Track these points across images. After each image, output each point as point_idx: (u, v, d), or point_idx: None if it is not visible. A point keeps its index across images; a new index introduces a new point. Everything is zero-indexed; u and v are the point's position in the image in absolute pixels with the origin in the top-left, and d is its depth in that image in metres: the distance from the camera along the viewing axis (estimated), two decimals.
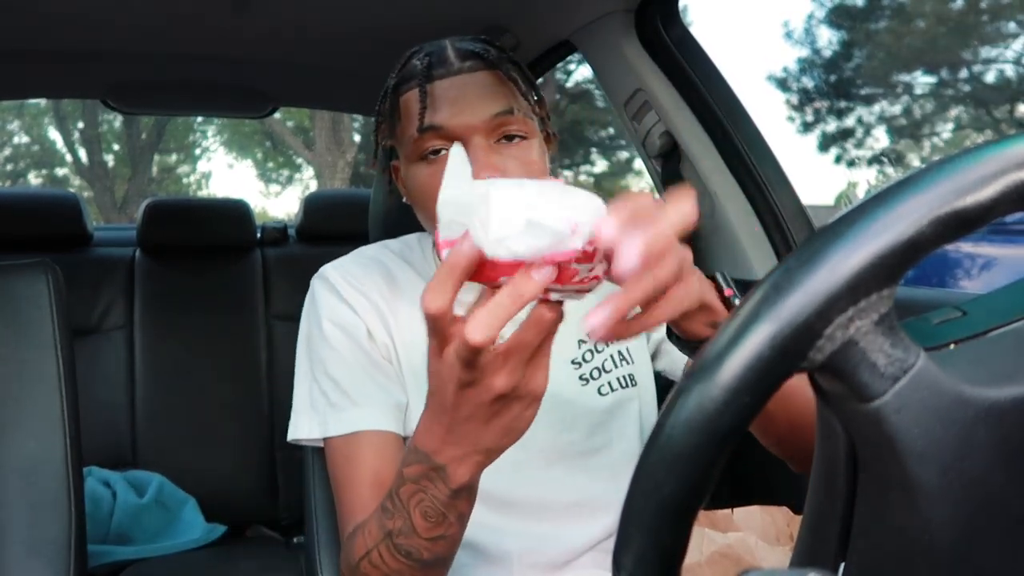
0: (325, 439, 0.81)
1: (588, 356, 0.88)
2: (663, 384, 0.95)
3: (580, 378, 0.87)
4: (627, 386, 0.89)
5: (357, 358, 0.82)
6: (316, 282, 0.87)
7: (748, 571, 0.31)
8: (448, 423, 0.55)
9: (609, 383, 0.88)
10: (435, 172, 0.75)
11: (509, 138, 0.77)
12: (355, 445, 0.79)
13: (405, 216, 0.96)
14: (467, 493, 0.60)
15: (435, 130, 0.75)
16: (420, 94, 0.75)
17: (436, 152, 0.76)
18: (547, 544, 0.82)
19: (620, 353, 0.89)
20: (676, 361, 0.92)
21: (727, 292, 0.65)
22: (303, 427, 0.83)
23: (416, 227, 0.95)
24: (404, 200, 0.86)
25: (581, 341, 0.89)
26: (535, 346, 0.51)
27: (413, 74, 0.78)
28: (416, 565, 0.64)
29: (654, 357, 0.94)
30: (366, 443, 0.78)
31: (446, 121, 0.74)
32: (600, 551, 0.85)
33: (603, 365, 0.88)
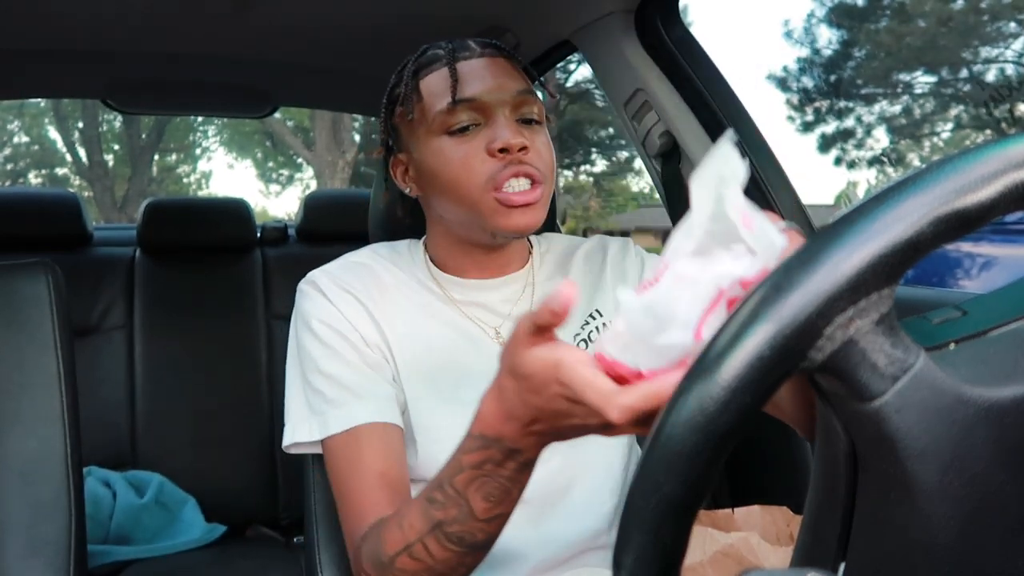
0: (325, 440, 0.80)
1: (593, 336, 0.89)
2: None
3: None
4: None
5: (352, 355, 0.82)
6: (304, 287, 0.87)
7: (748, 571, 0.31)
8: (530, 421, 0.54)
9: None
10: (461, 144, 0.79)
11: (527, 121, 0.82)
12: (356, 441, 0.78)
13: (406, 217, 0.96)
14: (534, 464, 0.59)
15: (468, 102, 0.79)
16: (450, 71, 0.80)
17: (464, 129, 0.79)
18: (550, 540, 0.82)
19: None
20: None
21: None
22: (302, 431, 0.82)
23: (416, 228, 0.95)
24: (407, 192, 0.87)
25: (588, 318, 0.89)
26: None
27: (437, 57, 0.83)
28: (466, 551, 0.63)
29: None
30: (368, 437, 0.78)
31: (478, 94, 0.79)
32: (603, 549, 0.85)
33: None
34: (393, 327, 0.84)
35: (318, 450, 0.83)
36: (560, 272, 0.93)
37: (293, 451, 0.85)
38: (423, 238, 0.94)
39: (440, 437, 0.81)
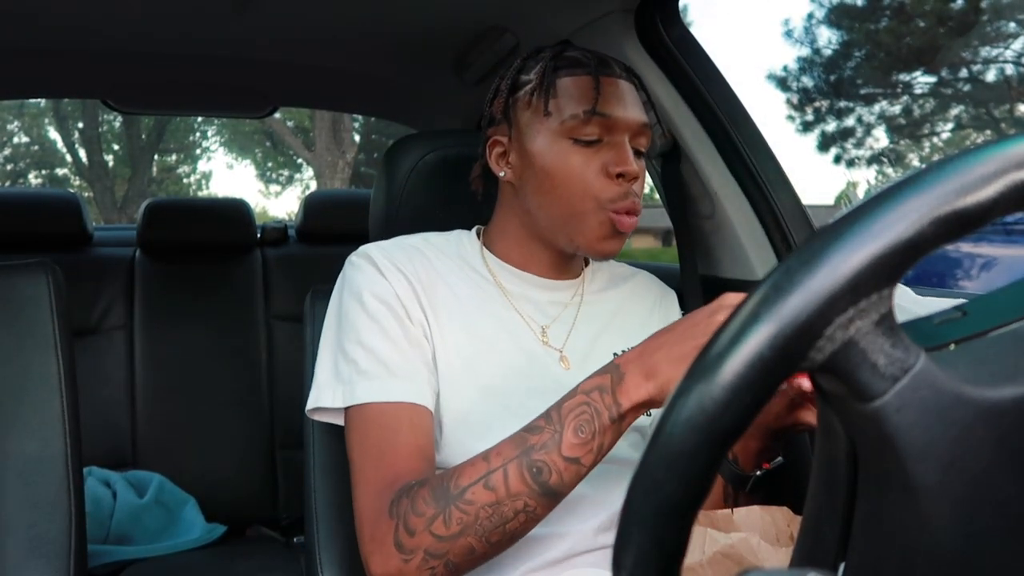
0: (352, 407, 0.80)
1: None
2: None
3: None
4: None
5: (397, 333, 0.82)
6: (356, 260, 0.87)
7: (748, 571, 0.31)
8: (673, 341, 0.66)
9: None
10: (584, 156, 0.84)
11: (637, 152, 0.87)
12: (393, 414, 0.78)
13: (407, 217, 0.96)
14: (623, 424, 0.68)
15: (602, 117, 0.83)
16: (594, 82, 0.84)
17: (591, 142, 0.84)
18: (550, 539, 0.82)
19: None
20: None
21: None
22: (326, 396, 0.82)
23: (418, 228, 0.95)
24: (502, 175, 0.89)
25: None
26: None
27: (580, 63, 0.86)
28: (537, 490, 0.67)
29: None
30: (405, 415, 0.78)
31: (613, 112, 0.83)
32: (602, 549, 0.85)
33: None
34: (438, 313, 0.84)
35: (339, 420, 0.83)
36: (611, 289, 0.97)
37: (315, 416, 0.85)
38: (475, 228, 0.96)
39: (469, 422, 0.82)
